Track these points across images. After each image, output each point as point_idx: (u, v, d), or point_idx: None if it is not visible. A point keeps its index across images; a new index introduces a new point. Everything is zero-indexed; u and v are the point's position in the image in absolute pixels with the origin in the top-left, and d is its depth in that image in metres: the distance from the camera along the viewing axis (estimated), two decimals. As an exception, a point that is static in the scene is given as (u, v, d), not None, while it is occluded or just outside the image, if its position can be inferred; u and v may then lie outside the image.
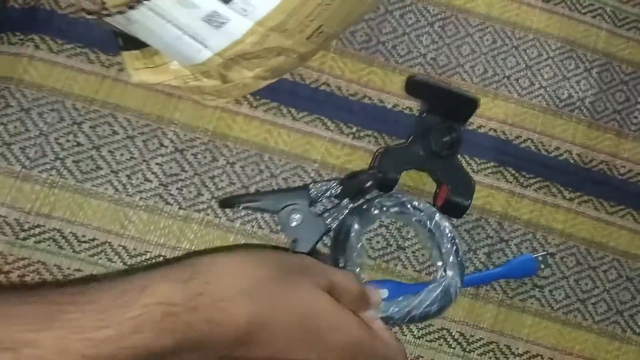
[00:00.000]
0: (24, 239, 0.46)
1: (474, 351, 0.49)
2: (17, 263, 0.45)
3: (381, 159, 0.48)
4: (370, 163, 0.50)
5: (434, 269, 0.49)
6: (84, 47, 0.49)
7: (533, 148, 0.53)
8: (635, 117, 0.54)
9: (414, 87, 0.50)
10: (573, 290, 0.51)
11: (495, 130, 0.52)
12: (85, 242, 0.46)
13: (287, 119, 0.50)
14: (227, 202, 0.48)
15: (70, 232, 0.46)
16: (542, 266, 0.50)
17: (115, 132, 0.48)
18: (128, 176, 0.48)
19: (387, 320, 0.45)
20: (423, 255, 0.50)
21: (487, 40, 0.54)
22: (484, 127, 0.52)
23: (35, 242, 0.46)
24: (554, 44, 0.54)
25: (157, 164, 0.48)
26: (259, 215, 0.49)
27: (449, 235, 0.47)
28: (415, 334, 0.49)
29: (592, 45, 0.55)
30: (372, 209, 0.47)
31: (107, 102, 0.48)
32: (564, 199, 0.52)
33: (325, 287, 0.37)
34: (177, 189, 0.48)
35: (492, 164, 0.52)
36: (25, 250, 0.46)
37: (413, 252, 0.50)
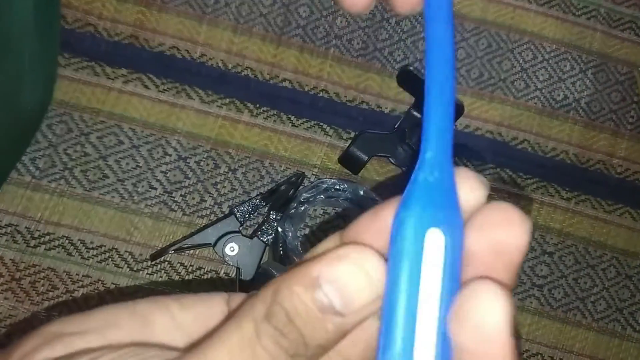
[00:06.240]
0: (35, 246, 0.48)
1: (474, 350, 0.50)
2: (28, 270, 0.47)
3: (355, 139, 0.49)
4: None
5: None
6: (90, 61, 0.50)
7: (530, 149, 0.53)
8: (632, 117, 0.55)
9: (403, 77, 0.51)
10: (572, 289, 0.52)
11: (492, 133, 0.53)
12: (93, 248, 0.48)
13: (286, 125, 0.51)
14: (157, 254, 0.47)
15: (79, 240, 0.48)
16: None
17: (121, 142, 0.50)
18: (134, 184, 0.49)
19: None
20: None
21: (483, 44, 0.55)
22: (481, 129, 0.53)
23: (45, 249, 0.48)
24: (549, 46, 0.55)
25: (161, 172, 0.50)
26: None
27: (376, 200, 0.47)
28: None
29: (587, 46, 0.56)
30: (298, 206, 0.47)
31: (112, 113, 0.50)
32: (561, 198, 0.53)
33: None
34: (180, 195, 0.50)
35: (489, 165, 0.53)
36: (36, 257, 0.47)
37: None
